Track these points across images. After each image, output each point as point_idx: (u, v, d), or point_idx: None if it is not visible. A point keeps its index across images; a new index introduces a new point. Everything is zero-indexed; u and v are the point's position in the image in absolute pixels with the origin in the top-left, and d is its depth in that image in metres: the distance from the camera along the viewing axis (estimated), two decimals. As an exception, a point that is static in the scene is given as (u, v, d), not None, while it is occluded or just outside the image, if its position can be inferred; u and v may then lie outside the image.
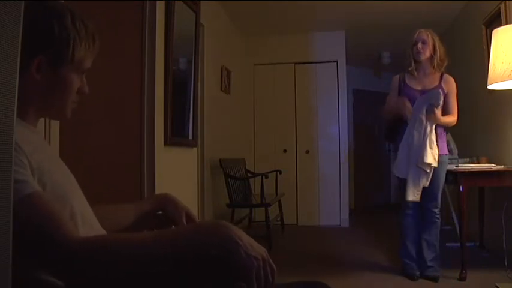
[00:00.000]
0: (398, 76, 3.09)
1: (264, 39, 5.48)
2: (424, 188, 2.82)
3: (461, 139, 4.03)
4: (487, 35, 3.42)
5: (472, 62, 3.87)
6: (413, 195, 2.82)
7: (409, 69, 2.99)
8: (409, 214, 2.97)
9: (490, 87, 2.43)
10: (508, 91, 2.62)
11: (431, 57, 2.91)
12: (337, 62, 5.41)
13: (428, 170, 2.80)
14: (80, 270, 0.75)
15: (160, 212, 1.10)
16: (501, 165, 2.97)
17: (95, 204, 0.97)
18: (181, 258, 0.77)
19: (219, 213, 4.14)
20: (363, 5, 4.34)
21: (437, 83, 2.92)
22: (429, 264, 2.89)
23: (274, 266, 0.79)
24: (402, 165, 2.90)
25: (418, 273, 2.89)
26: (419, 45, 2.90)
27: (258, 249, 0.78)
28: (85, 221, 0.88)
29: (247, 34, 5.40)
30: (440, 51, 2.90)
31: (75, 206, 0.87)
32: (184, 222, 1.06)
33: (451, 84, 2.93)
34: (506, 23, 2.95)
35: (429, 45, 2.89)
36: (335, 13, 4.71)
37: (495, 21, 3.25)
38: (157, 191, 2.56)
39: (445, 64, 2.94)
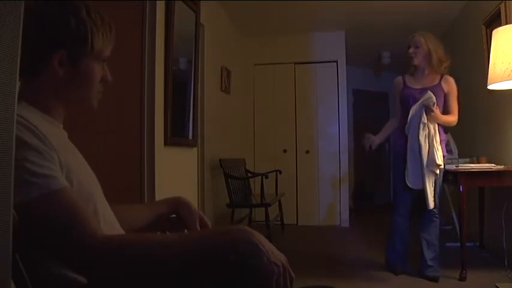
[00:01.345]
0: (399, 78, 3.08)
1: (264, 39, 5.48)
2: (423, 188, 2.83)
3: (461, 139, 4.03)
4: (487, 35, 3.41)
5: (472, 62, 3.86)
6: (432, 202, 2.82)
7: (409, 70, 3.04)
8: (401, 213, 3.00)
9: (490, 87, 2.43)
10: (508, 91, 2.61)
11: (427, 60, 2.91)
12: (337, 62, 5.40)
13: (438, 172, 2.81)
14: (103, 267, 0.76)
15: (173, 216, 1.09)
16: (501, 165, 2.97)
17: (112, 204, 0.97)
18: (201, 262, 0.77)
19: (219, 213, 4.14)
20: (363, 5, 4.33)
21: (437, 81, 2.92)
22: (429, 263, 2.89)
23: (293, 274, 0.79)
24: (414, 176, 2.85)
25: (400, 268, 2.97)
26: (412, 49, 2.92)
27: (279, 256, 0.78)
28: (106, 221, 0.89)
29: (247, 34, 5.39)
30: (438, 53, 2.89)
31: (98, 205, 0.88)
32: (198, 228, 1.05)
33: (450, 85, 2.93)
34: (506, 23, 2.94)
35: (423, 49, 2.89)
36: (335, 13, 4.71)
37: (495, 21, 3.25)
38: (157, 191, 2.56)
39: (445, 65, 2.92)
